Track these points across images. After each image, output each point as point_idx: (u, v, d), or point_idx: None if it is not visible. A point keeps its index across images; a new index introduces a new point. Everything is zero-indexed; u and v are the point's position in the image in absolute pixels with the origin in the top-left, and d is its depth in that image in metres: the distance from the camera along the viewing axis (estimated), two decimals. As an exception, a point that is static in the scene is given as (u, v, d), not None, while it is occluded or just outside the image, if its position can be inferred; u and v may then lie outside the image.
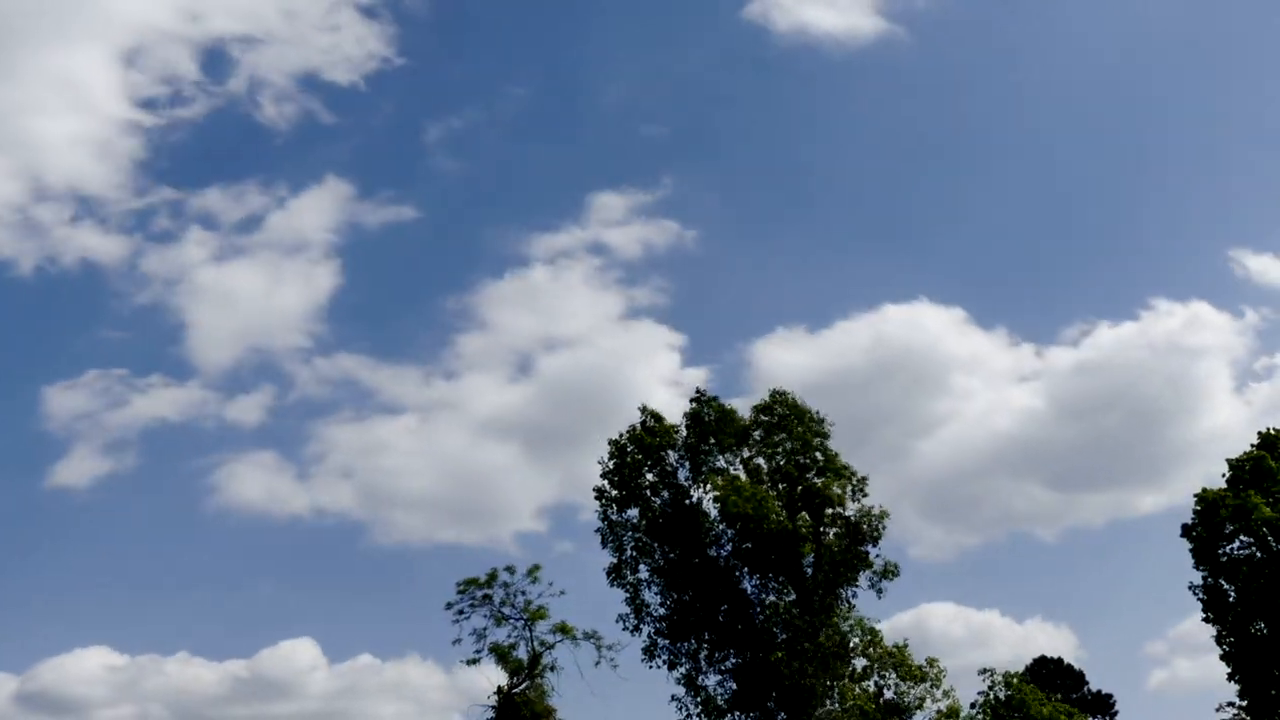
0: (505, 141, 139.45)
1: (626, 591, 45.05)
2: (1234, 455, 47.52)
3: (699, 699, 43.52)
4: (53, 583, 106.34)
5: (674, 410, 47.71)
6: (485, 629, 42.54)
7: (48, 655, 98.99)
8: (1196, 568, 47.05)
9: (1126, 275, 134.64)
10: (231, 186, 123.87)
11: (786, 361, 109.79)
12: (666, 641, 44.29)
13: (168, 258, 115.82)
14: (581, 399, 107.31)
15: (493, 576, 42.84)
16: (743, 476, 45.46)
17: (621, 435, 46.66)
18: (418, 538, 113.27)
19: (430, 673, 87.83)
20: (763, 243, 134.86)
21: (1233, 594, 46.03)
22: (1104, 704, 60.97)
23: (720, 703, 43.34)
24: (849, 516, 44.97)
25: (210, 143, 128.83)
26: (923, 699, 43.01)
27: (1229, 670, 45.89)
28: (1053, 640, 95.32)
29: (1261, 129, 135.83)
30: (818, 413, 46.64)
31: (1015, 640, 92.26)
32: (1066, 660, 66.02)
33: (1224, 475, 47.45)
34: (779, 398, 46.70)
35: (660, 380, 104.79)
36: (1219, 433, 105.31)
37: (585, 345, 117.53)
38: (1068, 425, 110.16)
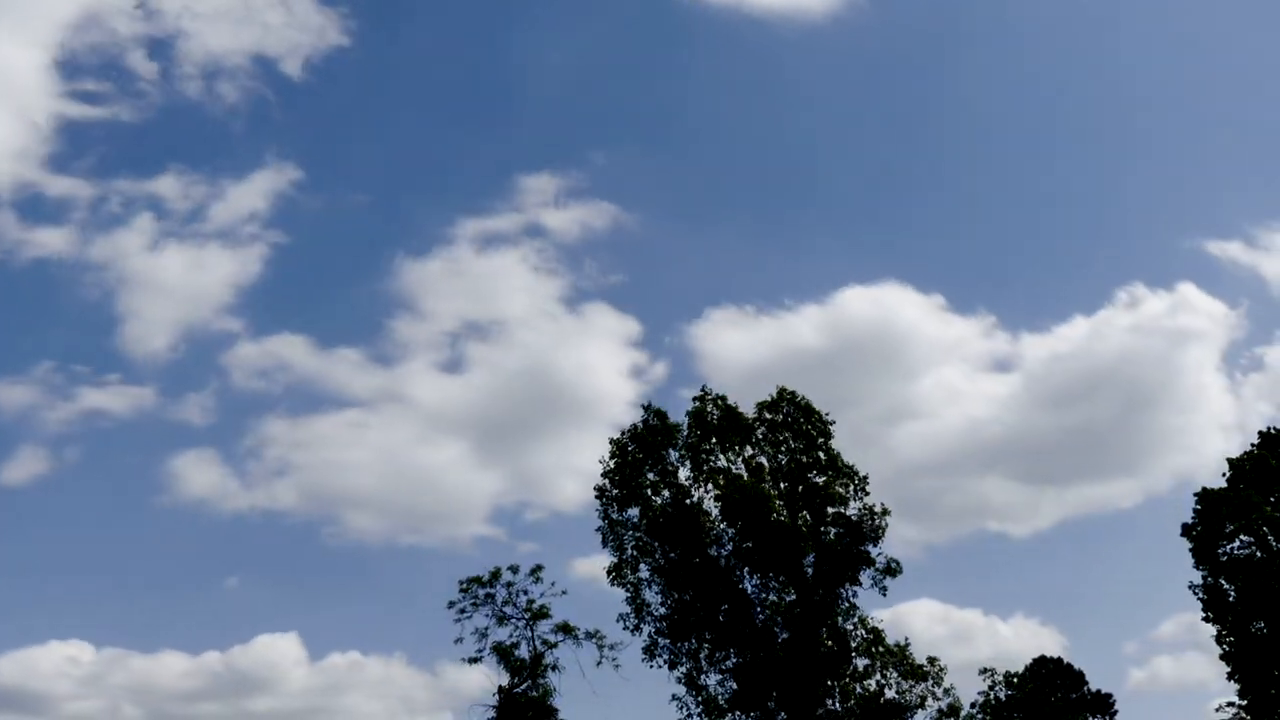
0: (438, 125, 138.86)
1: (627, 591, 45.01)
2: (1232, 452, 47.72)
3: (700, 698, 43.48)
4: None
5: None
6: (487, 628, 42.50)
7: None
8: (1196, 567, 47.11)
9: (1099, 264, 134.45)
10: (165, 174, 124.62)
11: (735, 344, 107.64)
12: (667, 641, 44.23)
13: (104, 247, 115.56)
14: (526, 389, 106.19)
15: (495, 575, 42.78)
16: (744, 475, 45.47)
17: (623, 434, 46.71)
18: (372, 539, 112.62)
19: (391, 667, 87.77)
20: (707, 224, 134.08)
21: (1233, 594, 46.09)
22: (1104, 704, 61.01)
23: (721, 702, 43.30)
24: (850, 515, 45.02)
25: (144, 129, 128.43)
26: (924, 698, 43.11)
27: (1229, 670, 45.96)
28: (1037, 638, 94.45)
29: (1230, 115, 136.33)
30: (826, 414, 46.80)
31: (998, 639, 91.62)
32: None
33: (1224, 475, 47.58)
34: (786, 396, 46.72)
35: (609, 368, 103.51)
36: (1197, 422, 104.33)
37: (526, 331, 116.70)
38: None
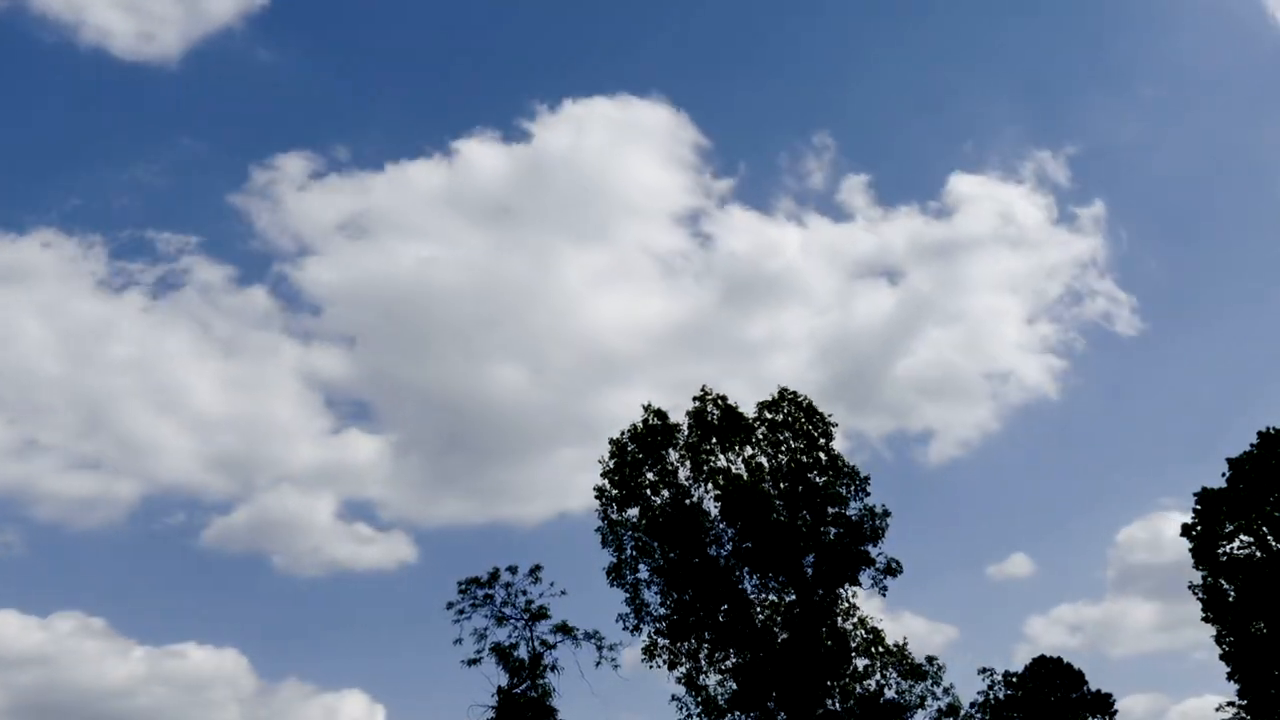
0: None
1: (626, 591, 44.95)
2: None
3: (699, 699, 43.41)
4: None
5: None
6: (486, 629, 42.47)
7: None
8: (1196, 567, 47.09)
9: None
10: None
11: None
12: (667, 641, 44.20)
13: None
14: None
15: (494, 576, 42.79)
16: (744, 475, 45.42)
17: (622, 434, 46.60)
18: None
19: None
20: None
21: (1233, 594, 46.06)
22: (1104, 704, 61.01)
23: (721, 702, 43.25)
24: (850, 516, 44.97)
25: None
26: (924, 698, 43.09)
27: (1229, 670, 45.94)
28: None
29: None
30: (829, 415, 46.77)
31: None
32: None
33: (1224, 475, 47.54)
34: (787, 395, 46.69)
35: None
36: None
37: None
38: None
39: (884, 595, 44.75)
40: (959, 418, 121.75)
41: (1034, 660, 62.59)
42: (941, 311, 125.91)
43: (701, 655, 43.93)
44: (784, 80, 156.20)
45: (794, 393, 46.88)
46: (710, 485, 45.28)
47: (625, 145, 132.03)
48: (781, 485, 45.53)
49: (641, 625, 44.47)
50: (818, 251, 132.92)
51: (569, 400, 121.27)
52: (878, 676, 43.36)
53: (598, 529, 45.72)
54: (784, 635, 43.52)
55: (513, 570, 43.08)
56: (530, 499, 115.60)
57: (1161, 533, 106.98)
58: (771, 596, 44.58)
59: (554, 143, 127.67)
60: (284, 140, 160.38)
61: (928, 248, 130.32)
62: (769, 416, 46.50)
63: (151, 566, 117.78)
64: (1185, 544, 47.44)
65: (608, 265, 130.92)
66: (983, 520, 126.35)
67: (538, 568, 43.19)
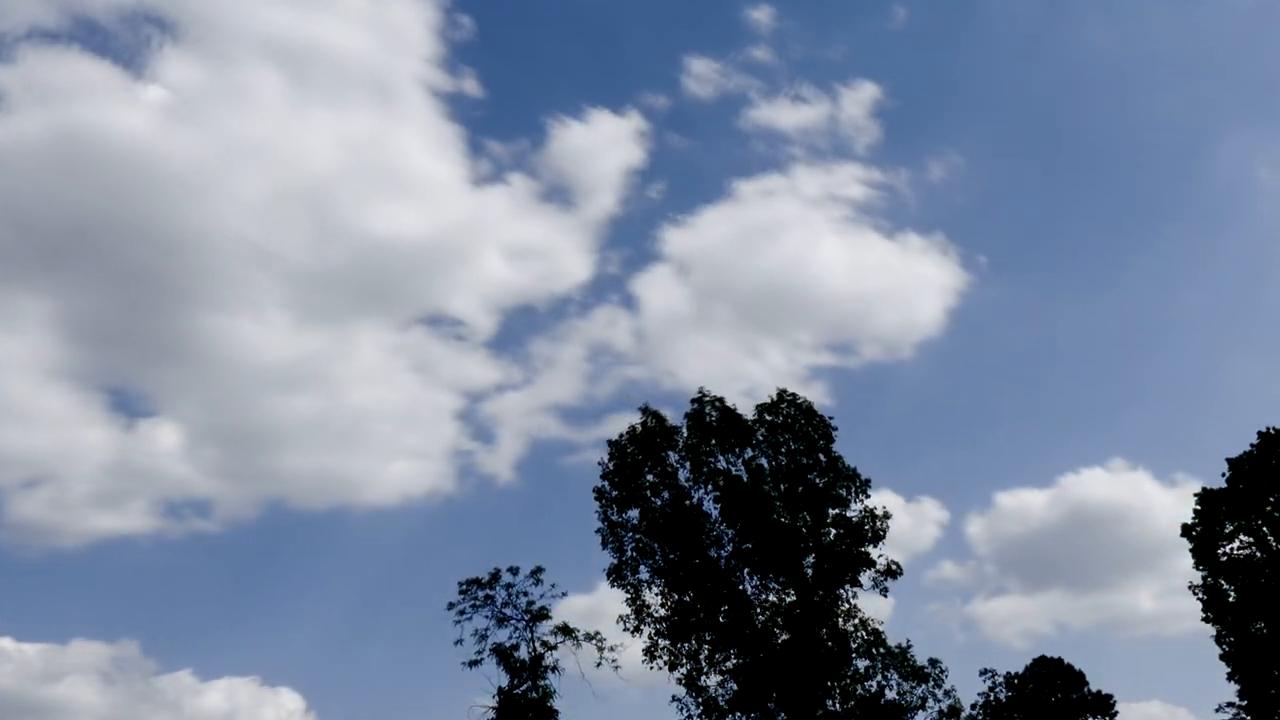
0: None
1: (627, 592, 45.01)
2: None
3: (700, 700, 43.43)
4: None
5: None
6: (487, 630, 42.48)
7: None
8: (1196, 567, 47.05)
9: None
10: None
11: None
12: (667, 642, 44.24)
13: None
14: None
15: (495, 577, 42.83)
16: (744, 476, 45.45)
17: (621, 436, 46.68)
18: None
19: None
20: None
21: (1233, 594, 46.05)
22: (1104, 704, 61.03)
23: (721, 703, 43.27)
24: (850, 517, 44.99)
25: None
26: (925, 699, 43.09)
27: (1229, 670, 45.92)
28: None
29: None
30: (829, 418, 46.80)
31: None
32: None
33: (1224, 475, 47.53)
34: (786, 397, 46.73)
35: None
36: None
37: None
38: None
39: (885, 596, 44.83)
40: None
41: (1034, 661, 62.65)
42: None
43: (702, 656, 43.96)
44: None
45: (793, 394, 46.99)
46: (710, 487, 45.31)
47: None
48: (781, 486, 45.57)
49: (642, 626, 44.52)
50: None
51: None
52: (878, 678, 43.42)
53: (598, 530, 45.83)
54: (784, 636, 43.54)
55: (513, 571, 43.17)
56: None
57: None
58: (772, 597, 44.62)
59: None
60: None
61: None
62: (768, 418, 46.54)
63: None
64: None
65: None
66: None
67: (539, 569, 43.28)
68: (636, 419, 46.95)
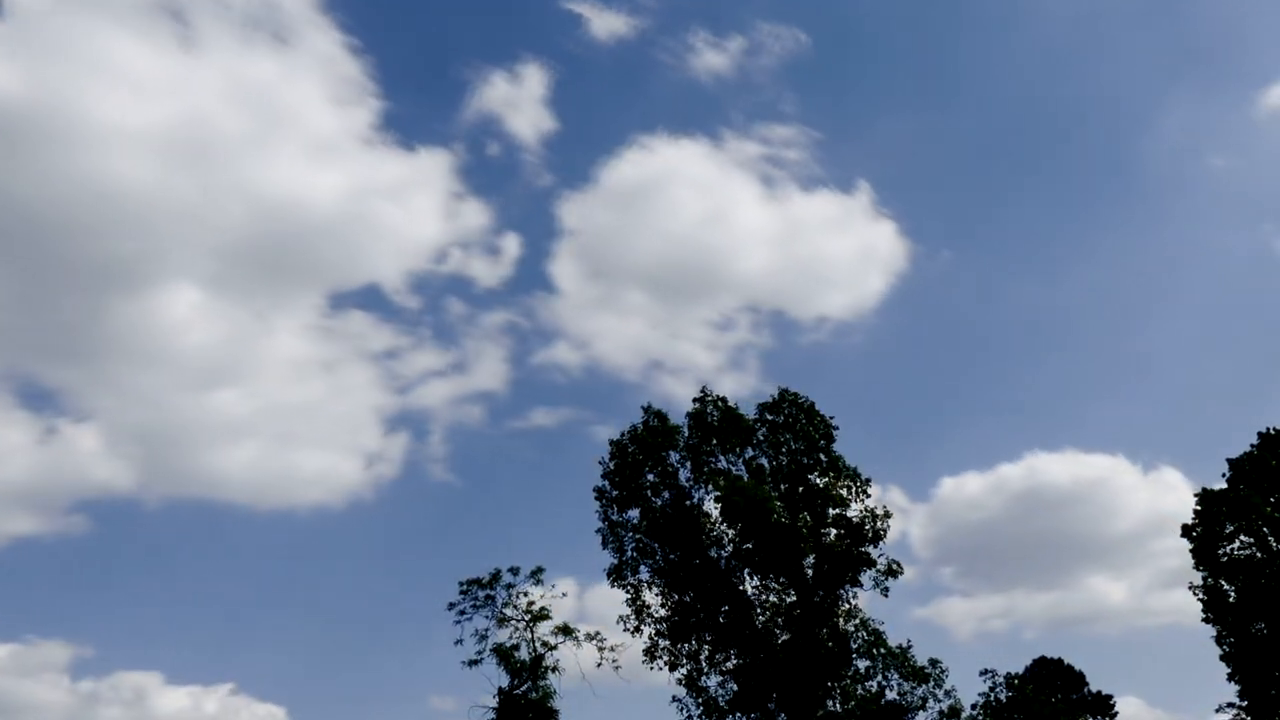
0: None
1: (627, 592, 45.00)
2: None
3: (700, 700, 43.41)
4: None
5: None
6: (487, 630, 42.44)
7: None
8: (1196, 568, 47.07)
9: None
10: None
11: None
12: (667, 642, 44.22)
13: None
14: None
15: (495, 577, 42.79)
16: (745, 476, 45.42)
17: (623, 435, 46.68)
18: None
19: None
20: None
21: (1233, 594, 46.06)
22: (1104, 704, 61.05)
23: (721, 704, 43.25)
24: (851, 517, 44.94)
25: None
26: (925, 699, 43.06)
27: (1229, 670, 45.93)
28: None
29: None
30: (831, 418, 46.77)
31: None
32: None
33: (1224, 475, 47.58)
34: (788, 397, 46.68)
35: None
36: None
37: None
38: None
39: (885, 596, 44.80)
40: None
41: (1034, 661, 62.69)
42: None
43: (702, 656, 43.95)
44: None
45: (794, 394, 46.92)
46: (711, 487, 45.28)
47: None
48: (782, 487, 45.54)
49: (642, 626, 44.50)
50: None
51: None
52: (879, 678, 43.40)
53: (598, 530, 45.81)
54: (785, 636, 43.51)
55: (514, 571, 43.12)
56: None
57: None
58: (772, 598, 44.60)
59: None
60: None
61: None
62: (769, 418, 46.49)
63: None
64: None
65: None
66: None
67: (539, 569, 43.23)
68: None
